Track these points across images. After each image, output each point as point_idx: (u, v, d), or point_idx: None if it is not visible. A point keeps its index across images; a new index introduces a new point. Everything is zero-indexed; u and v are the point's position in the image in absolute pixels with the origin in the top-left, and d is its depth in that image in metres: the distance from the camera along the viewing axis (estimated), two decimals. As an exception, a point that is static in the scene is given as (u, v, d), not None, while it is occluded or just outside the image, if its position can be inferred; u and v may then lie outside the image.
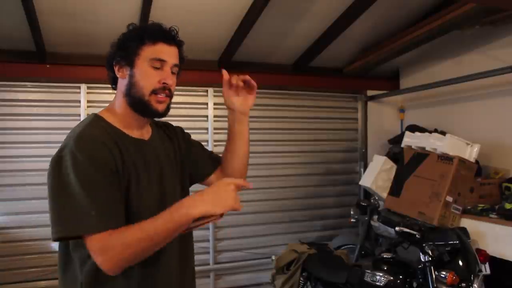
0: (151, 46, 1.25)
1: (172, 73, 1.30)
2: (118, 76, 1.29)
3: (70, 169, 1.10)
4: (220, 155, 1.57)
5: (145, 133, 1.35)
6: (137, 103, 1.26)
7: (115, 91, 1.34)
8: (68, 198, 1.09)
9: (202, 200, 1.10)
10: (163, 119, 1.37)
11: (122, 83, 1.28)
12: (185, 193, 1.43)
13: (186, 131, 1.55)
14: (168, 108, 1.31)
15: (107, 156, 1.16)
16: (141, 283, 1.20)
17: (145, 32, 1.27)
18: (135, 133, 1.30)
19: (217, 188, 1.13)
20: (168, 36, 1.28)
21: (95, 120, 1.26)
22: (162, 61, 1.26)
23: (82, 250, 1.13)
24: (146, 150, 1.30)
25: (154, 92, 1.26)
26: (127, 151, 1.23)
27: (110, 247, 1.08)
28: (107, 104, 1.35)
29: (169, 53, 1.28)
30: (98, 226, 1.08)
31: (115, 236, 1.09)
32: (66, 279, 1.21)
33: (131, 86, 1.26)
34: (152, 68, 1.25)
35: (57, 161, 1.13)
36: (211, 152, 1.59)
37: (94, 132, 1.19)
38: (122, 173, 1.18)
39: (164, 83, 1.26)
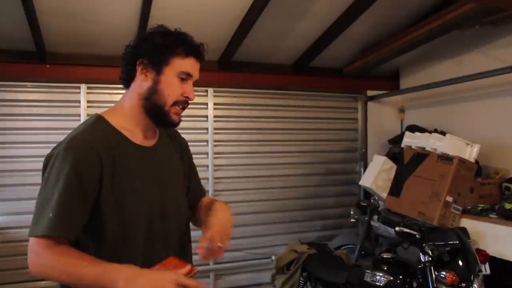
0: (183, 58, 1.26)
1: None
2: (140, 76, 1.26)
3: (54, 171, 1.13)
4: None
5: (150, 138, 1.33)
6: (155, 110, 1.26)
7: (123, 91, 1.33)
8: (40, 198, 1.14)
9: (136, 280, 1.02)
10: None
11: (142, 85, 1.27)
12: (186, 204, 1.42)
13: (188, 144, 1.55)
14: (180, 120, 1.32)
15: (93, 166, 1.15)
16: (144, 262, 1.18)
17: (182, 43, 1.26)
18: (138, 138, 1.29)
19: (162, 278, 1.03)
20: (200, 53, 1.30)
21: (96, 123, 1.25)
22: (189, 75, 1.28)
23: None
24: (147, 157, 1.29)
25: (176, 103, 1.27)
26: (123, 158, 1.22)
27: (42, 257, 1.09)
28: (107, 104, 1.36)
29: (196, 69, 1.30)
30: (48, 230, 1.08)
31: (52, 252, 1.08)
32: None
33: (154, 92, 1.25)
34: (178, 79, 1.26)
35: (47, 159, 1.17)
36: (201, 184, 1.58)
37: (89, 138, 1.18)
38: (111, 183, 1.17)
39: (186, 96, 1.28)
